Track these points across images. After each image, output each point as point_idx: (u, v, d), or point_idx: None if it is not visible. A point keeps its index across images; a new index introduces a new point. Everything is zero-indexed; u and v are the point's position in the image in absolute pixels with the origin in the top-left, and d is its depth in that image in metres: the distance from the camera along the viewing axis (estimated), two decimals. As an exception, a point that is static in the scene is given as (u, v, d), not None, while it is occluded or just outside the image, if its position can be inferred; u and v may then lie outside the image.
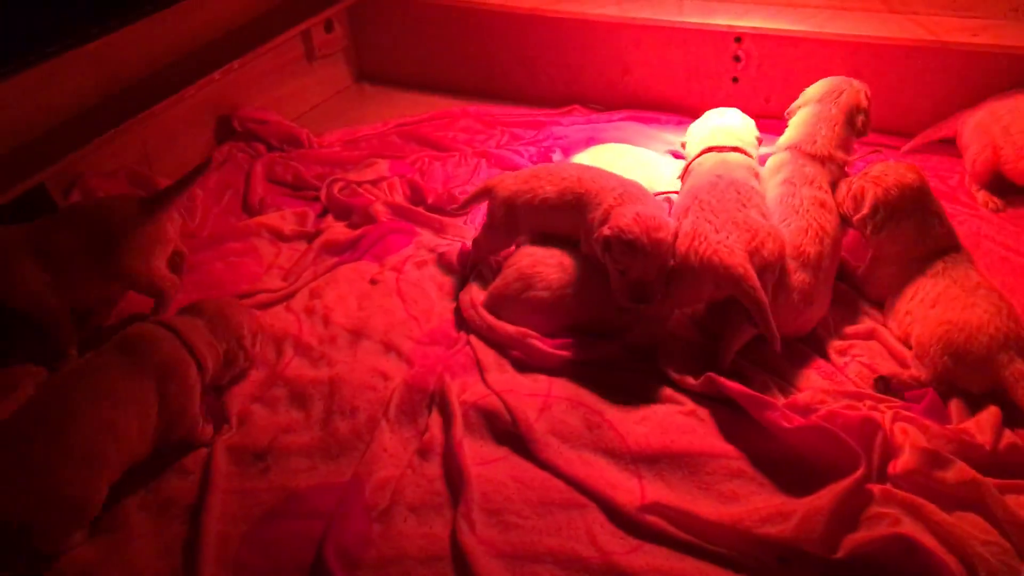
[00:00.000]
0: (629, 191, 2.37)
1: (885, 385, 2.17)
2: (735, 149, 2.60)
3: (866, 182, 2.40)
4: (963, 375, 2.11)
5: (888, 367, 2.25)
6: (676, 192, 2.77)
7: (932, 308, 2.22)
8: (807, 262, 2.29)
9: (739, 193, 2.35)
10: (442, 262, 2.78)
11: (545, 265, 2.44)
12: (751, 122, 2.78)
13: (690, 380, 2.18)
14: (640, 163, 2.99)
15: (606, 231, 2.20)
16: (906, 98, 3.24)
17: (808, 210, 2.38)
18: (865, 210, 2.37)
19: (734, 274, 2.13)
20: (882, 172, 2.39)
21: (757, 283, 2.13)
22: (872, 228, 2.38)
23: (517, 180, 2.58)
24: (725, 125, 2.72)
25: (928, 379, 2.15)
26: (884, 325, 2.38)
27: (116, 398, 1.97)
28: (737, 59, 3.47)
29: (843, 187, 2.46)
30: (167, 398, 2.04)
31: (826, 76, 3.35)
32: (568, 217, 2.45)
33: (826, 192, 2.45)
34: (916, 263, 2.34)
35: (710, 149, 2.61)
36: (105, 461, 1.93)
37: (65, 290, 2.43)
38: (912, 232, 2.34)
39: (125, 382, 2.00)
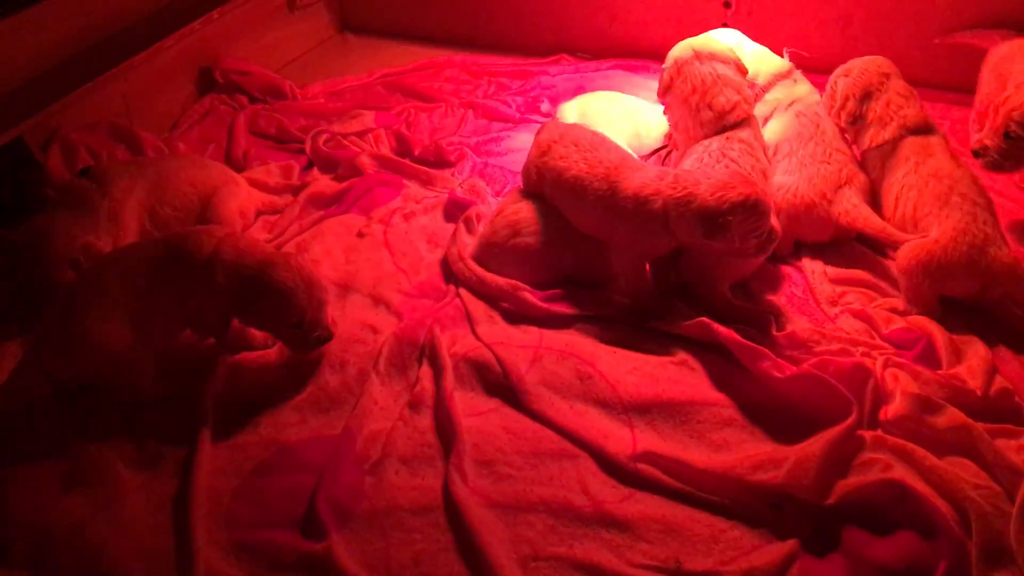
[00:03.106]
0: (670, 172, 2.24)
1: None
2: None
3: (836, 76, 2.56)
4: (952, 287, 2.20)
5: (882, 317, 2.25)
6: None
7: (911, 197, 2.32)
8: None
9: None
10: (430, 214, 2.76)
11: (532, 211, 2.41)
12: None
13: (681, 323, 2.17)
14: (629, 111, 2.95)
15: (720, 220, 2.07)
16: (900, 42, 3.20)
17: None
18: (839, 102, 2.51)
19: None
20: (849, 65, 2.55)
21: None
22: (846, 118, 2.50)
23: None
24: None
25: (918, 307, 2.22)
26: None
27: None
28: (727, 4, 3.42)
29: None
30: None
31: (817, 21, 3.32)
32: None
33: None
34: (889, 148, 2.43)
35: None
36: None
37: None
38: (880, 111, 2.45)
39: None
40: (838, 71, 2.57)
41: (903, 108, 2.43)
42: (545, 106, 3.33)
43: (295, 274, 2.06)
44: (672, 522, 1.79)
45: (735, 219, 2.06)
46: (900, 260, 2.24)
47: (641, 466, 1.89)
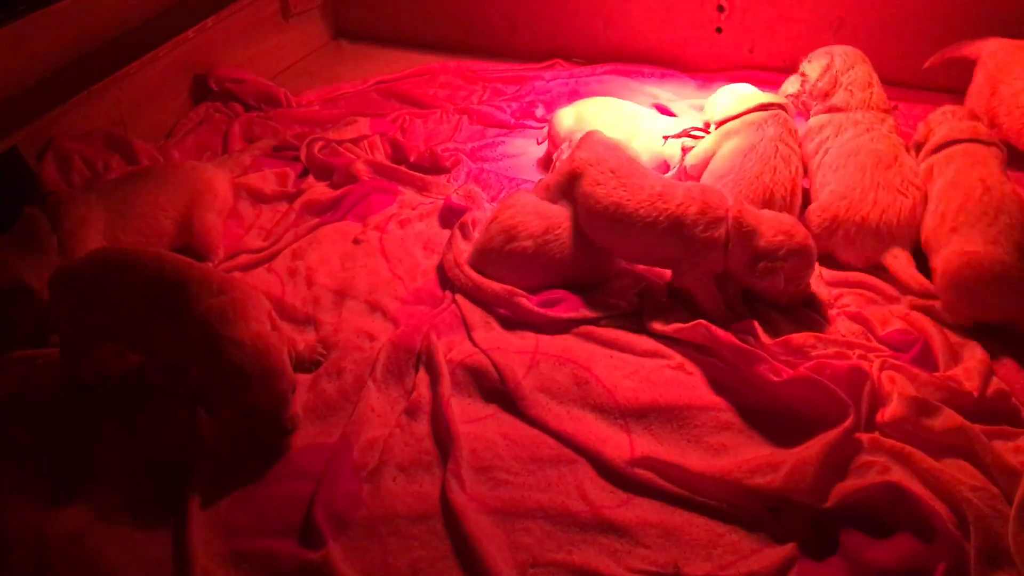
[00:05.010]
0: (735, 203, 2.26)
1: None
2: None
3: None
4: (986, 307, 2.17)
5: (878, 319, 2.25)
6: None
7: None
8: None
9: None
10: (425, 221, 2.76)
11: (526, 216, 2.41)
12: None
13: (679, 325, 2.17)
14: (624, 116, 2.94)
15: (773, 264, 2.15)
16: (891, 45, 3.21)
17: None
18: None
19: None
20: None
21: None
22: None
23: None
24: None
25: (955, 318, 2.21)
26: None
27: None
28: (721, 9, 3.42)
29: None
30: None
31: (809, 25, 3.32)
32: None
33: None
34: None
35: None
36: None
37: None
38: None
39: None
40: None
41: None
42: (540, 111, 3.33)
43: (256, 359, 1.84)
44: (670, 527, 1.79)
45: (788, 263, 2.15)
46: (946, 267, 2.20)
47: (639, 471, 1.89)
